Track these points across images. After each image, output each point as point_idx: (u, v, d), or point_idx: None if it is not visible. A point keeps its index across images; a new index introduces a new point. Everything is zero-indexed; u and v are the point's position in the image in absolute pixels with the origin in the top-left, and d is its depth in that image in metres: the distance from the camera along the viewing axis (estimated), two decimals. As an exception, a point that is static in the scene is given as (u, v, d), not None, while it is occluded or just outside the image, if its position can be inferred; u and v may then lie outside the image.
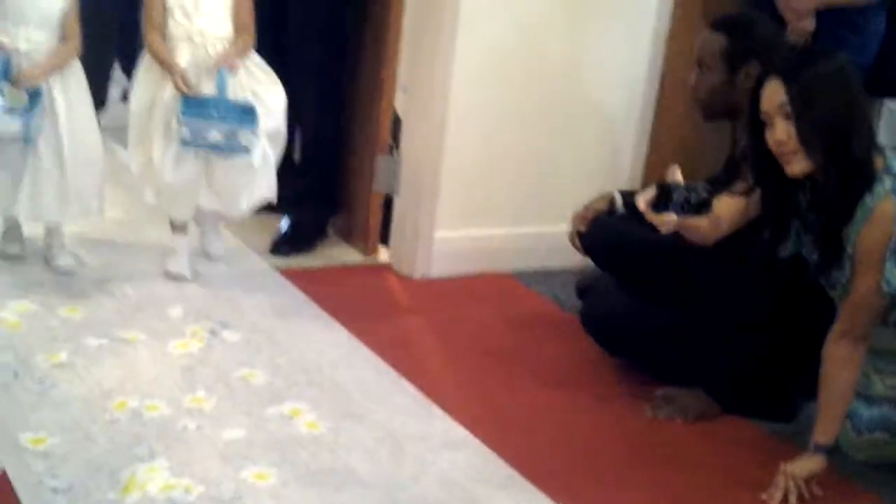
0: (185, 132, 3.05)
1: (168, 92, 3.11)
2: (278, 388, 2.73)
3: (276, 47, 3.40)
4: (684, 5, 3.77)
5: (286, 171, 3.41)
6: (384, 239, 3.76)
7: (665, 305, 2.97)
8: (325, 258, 3.67)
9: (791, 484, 2.47)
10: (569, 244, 3.65)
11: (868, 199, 2.39)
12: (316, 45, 3.56)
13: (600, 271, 3.30)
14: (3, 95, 2.93)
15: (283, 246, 3.63)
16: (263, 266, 3.40)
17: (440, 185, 3.56)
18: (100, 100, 4.12)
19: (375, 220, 3.73)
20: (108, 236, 3.45)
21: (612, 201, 3.10)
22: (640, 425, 2.82)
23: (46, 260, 3.24)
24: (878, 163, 2.43)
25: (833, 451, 2.51)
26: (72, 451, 2.35)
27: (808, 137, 2.38)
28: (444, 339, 3.20)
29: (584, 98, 3.73)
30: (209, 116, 3.05)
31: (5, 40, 2.98)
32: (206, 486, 2.29)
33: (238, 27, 3.16)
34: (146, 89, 3.17)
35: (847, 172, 2.40)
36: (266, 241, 3.62)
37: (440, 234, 3.60)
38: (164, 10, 3.11)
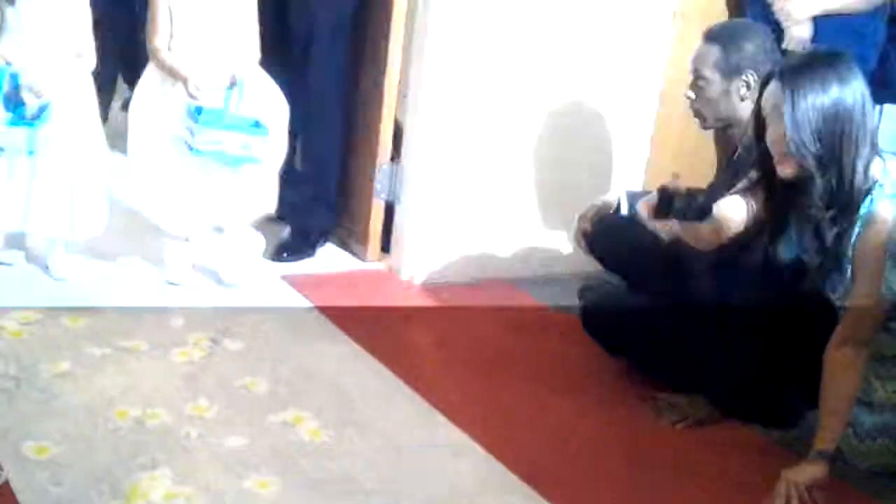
0: (200, 142, 3.04)
1: (175, 101, 3.11)
2: (280, 396, 2.74)
3: (277, 58, 3.39)
4: (684, 15, 3.78)
5: (288, 178, 3.42)
6: (385, 246, 3.76)
7: (667, 308, 2.98)
8: (327, 265, 3.67)
9: (793, 490, 2.46)
10: (569, 250, 3.68)
11: (868, 204, 2.40)
12: (317, 55, 3.56)
13: (602, 276, 3.31)
14: (24, 106, 2.95)
15: (285, 253, 3.63)
16: (265, 273, 3.40)
17: (441, 192, 3.56)
18: (104, 112, 4.12)
19: (377, 227, 3.74)
20: (110, 245, 3.44)
21: (618, 202, 3.11)
22: (642, 431, 2.82)
23: (47, 269, 3.24)
24: (878, 168, 2.44)
25: (835, 458, 2.50)
26: (74, 461, 2.35)
27: (797, 140, 2.38)
28: (445, 345, 3.20)
29: (584, 105, 3.73)
30: (222, 126, 3.04)
31: (17, 55, 2.98)
32: (208, 495, 2.29)
33: (244, 37, 3.16)
34: (150, 99, 3.16)
35: (841, 178, 2.40)
36: (268, 248, 3.62)
37: (441, 240, 3.60)
38: (171, 20, 3.11)
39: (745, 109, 2.85)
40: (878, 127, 2.57)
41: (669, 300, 2.95)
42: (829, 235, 2.47)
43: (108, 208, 3.23)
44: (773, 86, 2.44)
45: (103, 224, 3.23)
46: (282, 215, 3.58)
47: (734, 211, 2.65)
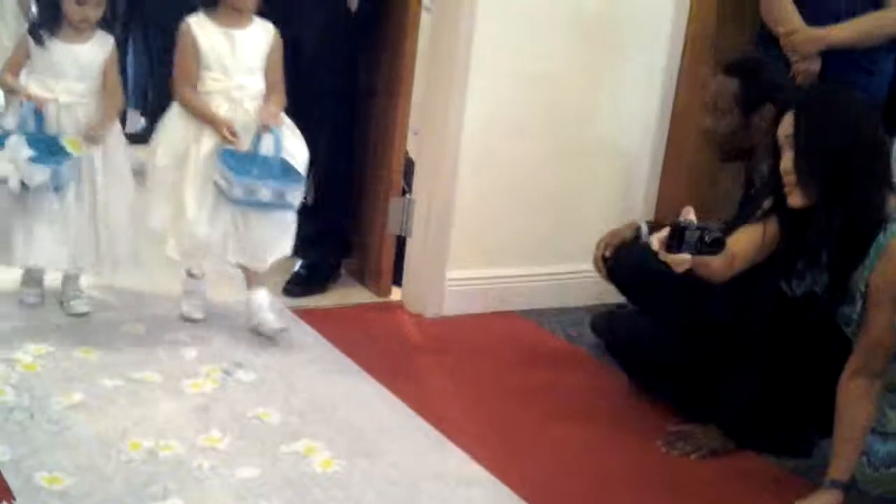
0: (238, 192, 3.02)
1: (205, 146, 3.07)
2: (292, 427, 2.74)
3: (289, 97, 3.41)
4: (694, 44, 3.80)
5: (300, 213, 3.42)
6: (397, 280, 3.77)
7: (681, 336, 2.99)
8: (339, 299, 3.68)
9: (807, 519, 2.46)
10: (579, 283, 3.70)
11: (881, 237, 2.40)
12: (327, 90, 3.58)
13: (613, 309, 3.33)
14: (65, 145, 2.97)
15: (297, 287, 3.64)
16: (277, 307, 3.41)
17: (452, 226, 3.58)
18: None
19: (388, 261, 3.75)
20: (123, 278, 3.45)
21: (637, 229, 3.14)
22: (655, 461, 2.81)
23: (62, 304, 3.26)
24: (893, 202, 2.44)
25: (849, 487, 2.49)
26: (87, 491, 2.35)
27: (804, 171, 2.40)
28: (457, 376, 3.20)
29: (595, 137, 3.75)
30: (258, 175, 3.03)
31: (41, 92, 3.00)
32: (220, 525, 2.29)
33: (271, 83, 3.15)
34: (177, 143, 3.12)
35: (853, 210, 2.41)
36: (279, 282, 3.63)
37: (452, 273, 3.61)
38: (199, 64, 3.08)
39: (763, 142, 2.86)
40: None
41: (685, 328, 2.96)
42: (839, 268, 2.47)
43: (134, 247, 3.24)
44: (788, 116, 2.46)
45: (131, 261, 3.24)
46: (293, 250, 3.58)
47: (746, 247, 2.66)
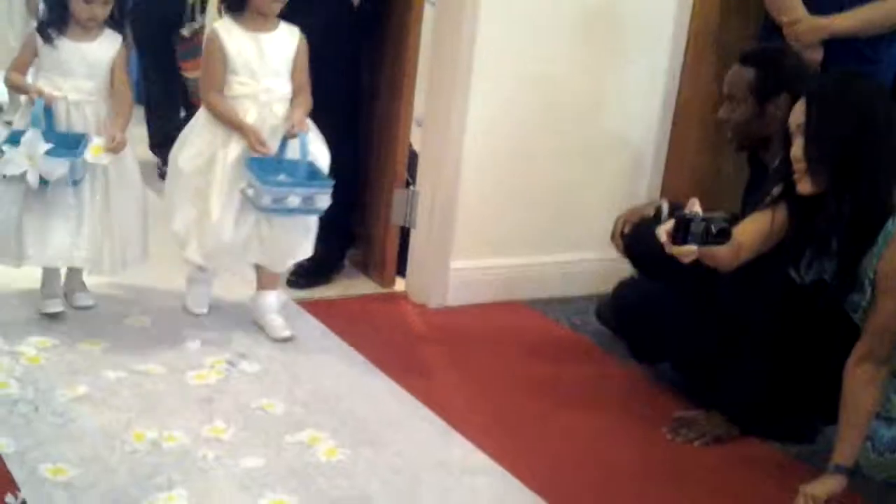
0: (267, 200, 2.97)
1: (233, 152, 3.04)
2: (297, 417, 2.74)
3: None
4: (697, 40, 3.79)
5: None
6: (401, 271, 3.77)
7: (689, 320, 3.01)
8: (343, 290, 3.69)
9: (811, 504, 2.46)
10: (583, 272, 3.70)
11: (890, 224, 2.39)
12: (331, 84, 3.57)
13: (618, 297, 3.34)
14: (88, 150, 2.96)
15: (301, 279, 3.64)
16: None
17: (456, 217, 3.58)
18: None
19: (392, 252, 3.75)
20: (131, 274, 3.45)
21: (658, 209, 3.14)
22: (660, 448, 2.82)
23: (66, 297, 3.25)
24: None
25: (853, 473, 2.49)
26: (92, 483, 2.36)
27: (814, 158, 2.40)
28: (461, 366, 3.20)
29: (599, 130, 3.75)
30: (285, 181, 3.00)
31: (50, 90, 2.98)
32: (224, 514, 2.29)
33: (297, 86, 3.11)
34: (203, 149, 3.08)
35: (862, 198, 2.40)
36: (284, 273, 3.63)
37: (456, 264, 3.62)
38: (226, 69, 3.05)
39: (778, 131, 2.86)
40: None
41: (696, 309, 2.96)
42: (848, 255, 2.46)
43: (146, 244, 3.21)
44: (800, 103, 2.46)
45: (144, 256, 3.22)
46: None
47: (752, 236, 2.66)
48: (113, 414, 2.66)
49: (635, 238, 3.14)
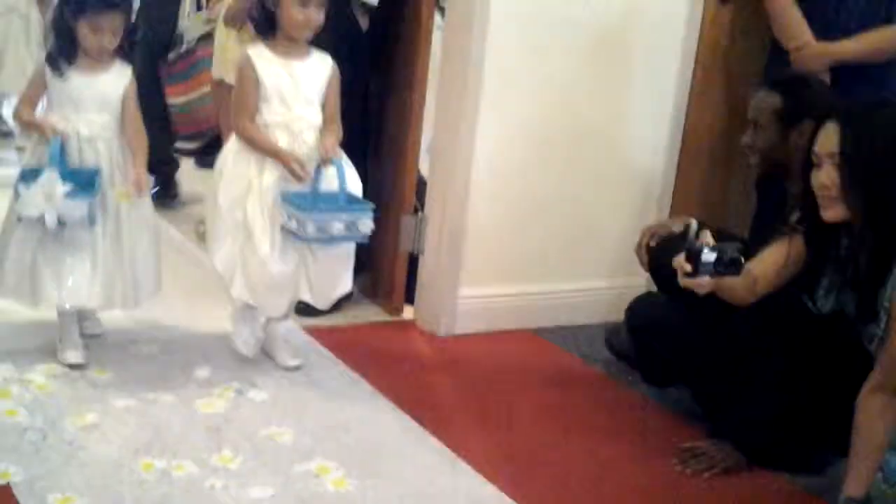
0: (312, 229, 2.90)
1: (268, 178, 2.99)
2: (305, 447, 2.74)
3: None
4: (704, 65, 3.81)
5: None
6: (409, 298, 3.77)
7: (702, 346, 3.02)
8: (351, 317, 3.68)
9: (821, 537, 2.44)
10: (592, 300, 3.70)
11: None
12: (340, 109, 3.58)
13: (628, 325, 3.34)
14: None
15: (310, 306, 3.63)
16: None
17: (465, 244, 3.58)
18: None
19: (401, 280, 3.75)
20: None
21: (687, 227, 3.11)
22: (669, 479, 2.80)
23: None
24: None
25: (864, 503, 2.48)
26: (100, 512, 2.36)
27: (852, 187, 2.39)
28: (469, 395, 3.20)
29: (608, 157, 3.75)
30: (326, 209, 2.93)
31: (63, 125, 2.93)
32: (233, 545, 2.29)
33: (328, 114, 3.07)
34: (239, 180, 3.01)
35: (885, 224, 2.40)
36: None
37: (464, 291, 3.61)
38: (258, 96, 2.99)
39: (799, 159, 2.85)
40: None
41: (711, 330, 2.95)
42: (865, 282, 2.46)
43: (160, 277, 3.19)
44: (832, 129, 2.44)
45: (157, 289, 3.19)
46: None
47: (768, 270, 2.65)
48: (122, 443, 2.66)
49: (661, 252, 3.11)
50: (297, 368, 3.18)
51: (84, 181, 2.91)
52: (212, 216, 3.10)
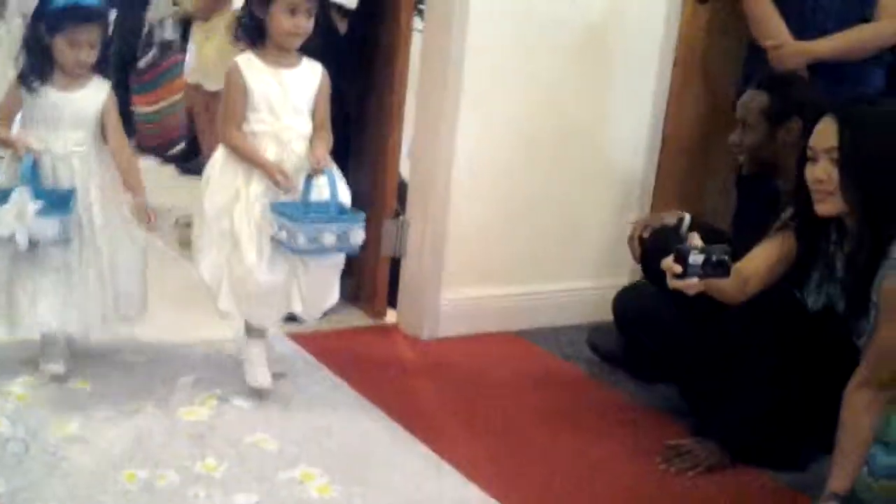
0: (302, 240, 2.84)
1: (256, 189, 2.92)
2: (289, 453, 2.72)
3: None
4: (683, 66, 3.82)
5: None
6: (392, 302, 3.77)
7: (690, 343, 3.03)
8: (334, 322, 3.66)
9: (806, 533, 2.45)
10: (575, 302, 3.70)
11: (893, 248, 2.40)
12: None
13: (611, 328, 3.34)
14: (49, 194, 2.87)
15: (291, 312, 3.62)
16: (272, 331, 3.40)
17: (447, 247, 3.58)
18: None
19: (383, 283, 3.75)
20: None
21: (680, 219, 3.12)
22: (654, 477, 2.81)
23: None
24: None
25: (848, 501, 2.48)
26: (84, 523, 2.35)
27: (849, 183, 2.40)
28: (454, 398, 3.19)
29: (589, 158, 3.76)
30: (317, 219, 2.87)
31: (36, 144, 2.87)
32: (218, 554, 2.28)
33: (318, 123, 3.01)
34: (227, 189, 2.94)
35: (881, 219, 2.41)
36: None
37: (447, 294, 3.61)
38: (246, 105, 2.92)
39: (787, 157, 2.86)
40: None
41: (699, 324, 2.96)
42: (856, 278, 2.47)
43: (145, 298, 3.12)
44: (829, 124, 2.45)
45: (143, 310, 3.13)
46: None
47: (759, 270, 2.66)
48: (104, 453, 2.64)
49: (653, 245, 3.09)
50: (266, 392, 3.04)
51: (57, 200, 2.84)
52: (198, 225, 3.04)
